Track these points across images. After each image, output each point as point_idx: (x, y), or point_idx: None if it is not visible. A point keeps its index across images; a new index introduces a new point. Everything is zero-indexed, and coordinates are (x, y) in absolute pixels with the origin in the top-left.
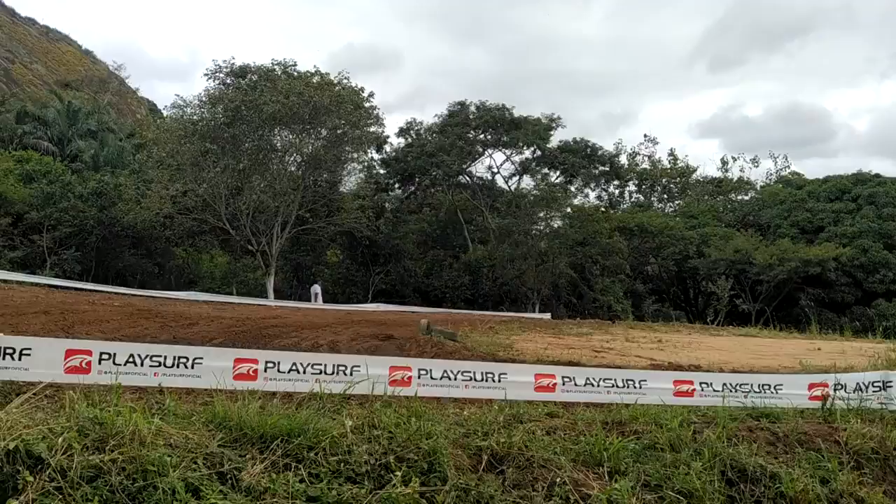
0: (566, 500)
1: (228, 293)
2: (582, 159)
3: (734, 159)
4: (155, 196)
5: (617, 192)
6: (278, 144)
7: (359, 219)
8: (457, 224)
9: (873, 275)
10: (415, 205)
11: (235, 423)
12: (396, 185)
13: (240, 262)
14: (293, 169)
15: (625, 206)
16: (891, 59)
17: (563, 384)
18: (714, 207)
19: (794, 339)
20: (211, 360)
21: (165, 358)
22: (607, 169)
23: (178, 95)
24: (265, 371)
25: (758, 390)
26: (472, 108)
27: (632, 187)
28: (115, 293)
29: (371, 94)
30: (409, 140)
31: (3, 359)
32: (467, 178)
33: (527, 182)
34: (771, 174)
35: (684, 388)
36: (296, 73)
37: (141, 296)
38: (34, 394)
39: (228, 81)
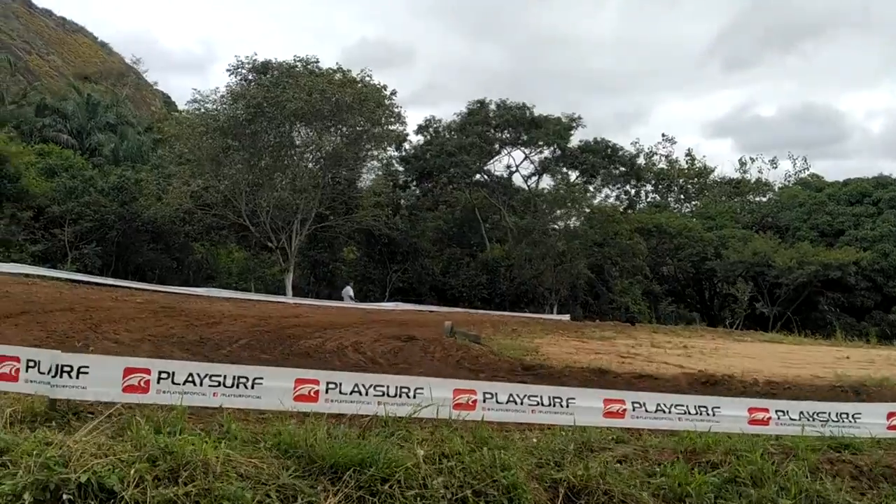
0: None
1: (246, 289)
2: (602, 159)
3: (752, 160)
4: (175, 191)
5: (633, 191)
6: (298, 141)
7: (378, 216)
8: (473, 222)
9: (894, 279)
10: (431, 202)
11: (304, 451)
12: (413, 183)
13: (258, 259)
14: (312, 166)
15: (641, 206)
16: None
17: (633, 410)
18: (732, 209)
19: (820, 346)
20: (271, 380)
21: (225, 377)
22: (627, 169)
23: (195, 90)
24: (326, 392)
25: (836, 419)
26: (493, 107)
27: (648, 187)
28: (137, 289)
29: (393, 93)
30: (428, 137)
31: (61, 377)
32: (485, 177)
33: (546, 182)
34: (789, 176)
35: (759, 416)
36: (318, 70)
37: (162, 292)
38: (101, 420)
39: (250, 77)
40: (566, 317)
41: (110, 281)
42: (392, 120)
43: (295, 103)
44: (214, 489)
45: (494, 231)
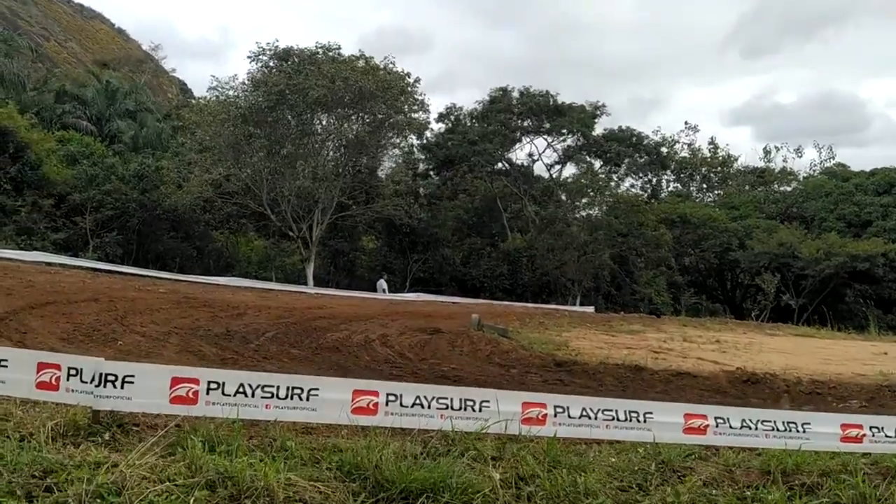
0: None
1: (266, 278)
2: (627, 147)
3: (777, 149)
4: (196, 179)
5: (654, 180)
6: (320, 129)
7: (399, 205)
8: (494, 211)
9: None
10: (450, 191)
11: (370, 473)
12: (432, 171)
13: (278, 247)
14: (333, 154)
15: (663, 195)
16: None
17: (717, 426)
18: (756, 198)
19: (854, 341)
20: (328, 391)
21: (278, 388)
22: (652, 158)
23: (213, 76)
24: (386, 405)
25: None
26: (515, 94)
27: (670, 176)
28: (159, 278)
29: (417, 80)
30: (449, 125)
31: (105, 387)
32: (506, 165)
33: (569, 170)
34: (814, 165)
35: (853, 432)
36: (340, 58)
37: (184, 281)
38: (155, 441)
39: (272, 64)
40: (590, 308)
41: (132, 270)
42: (415, 108)
43: (317, 91)
44: None
45: (515, 221)
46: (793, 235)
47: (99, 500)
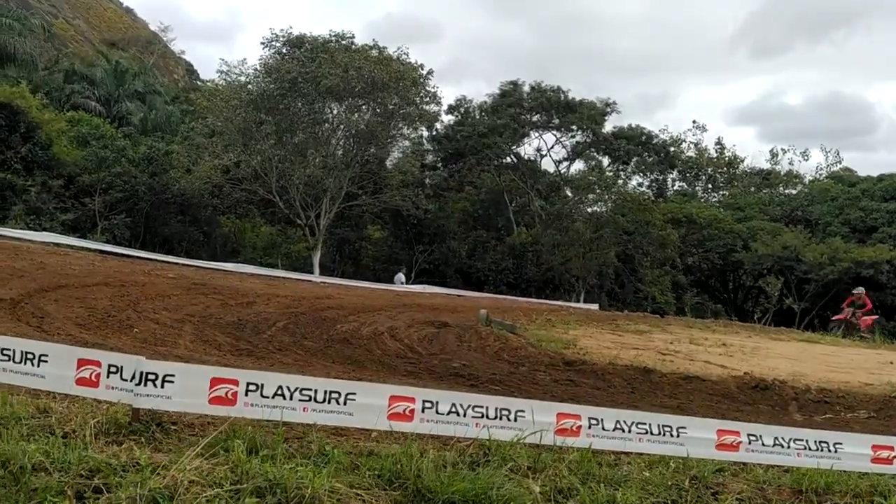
0: None
1: (272, 265)
2: (636, 146)
3: (784, 151)
4: (206, 165)
5: (661, 179)
6: (330, 118)
7: (408, 196)
8: (500, 205)
9: None
10: (457, 183)
11: (411, 482)
12: (440, 163)
13: (284, 234)
14: (343, 143)
15: (667, 194)
16: None
17: (749, 443)
18: (761, 200)
19: (858, 348)
20: (364, 396)
21: (316, 392)
22: (661, 157)
23: (222, 60)
24: (422, 412)
25: None
26: (526, 89)
27: (675, 175)
28: (167, 262)
29: (430, 72)
30: (458, 117)
31: (144, 385)
32: (514, 159)
33: (577, 167)
34: (821, 168)
35: (884, 454)
36: (353, 46)
37: (192, 266)
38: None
39: (284, 51)
40: (594, 306)
41: (140, 253)
42: (427, 100)
43: (330, 79)
44: None
45: (522, 215)
46: (797, 239)
47: None
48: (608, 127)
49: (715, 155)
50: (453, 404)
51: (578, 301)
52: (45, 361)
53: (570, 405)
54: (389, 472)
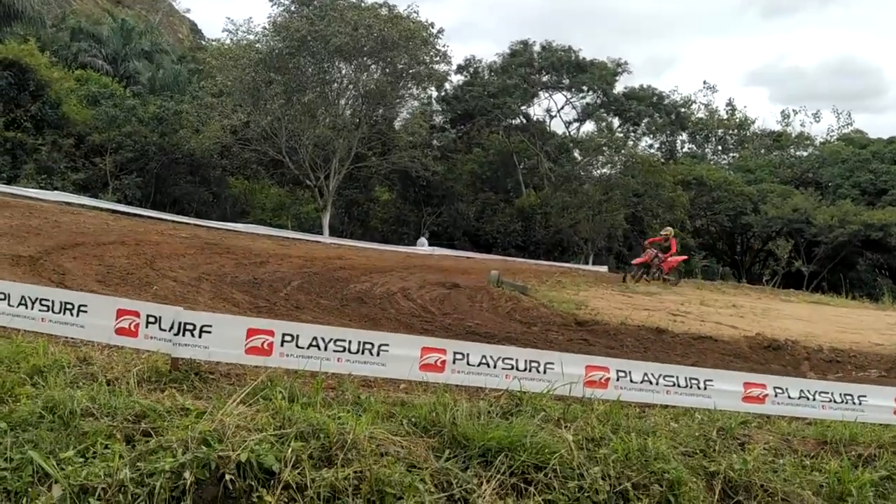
0: None
1: (280, 225)
2: (647, 107)
3: (795, 113)
4: (215, 125)
5: (670, 140)
6: (340, 78)
7: (416, 158)
8: (509, 166)
9: None
10: (465, 144)
11: (447, 430)
12: (448, 124)
13: (293, 195)
14: (352, 103)
15: (677, 156)
16: None
17: (776, 395)
18: (771, 162)
19: (868, 310)
20: (397, 347)
21: (350, 343)
22: (672, 118)
23: (228, 18)
24: (453, 363)
25: None
26: (537, 48)
27: (685, 136)
28: (178, 222)
29: (441, 31)
30: (468, 78)
31: (183, 335)
32: (523, 120)
33: (587, 128)
34: (832, 131)
35: None
36: (364, 4)
37: (203, 226)
38: (248, 390)
39: (293, 9)
40: (603, 268)
41: (152, 213)
42: (437, 59)
43: (339, 38)
44: (373, 473)
45: (530, 177)
46: (807, 201)
47: (204, 447)
48: (619, 88)
49: (726, 116)
50: (484, 356)
51: (587, 263)
52: (85, 311)
53: (598, 357)
54: (425, 420)
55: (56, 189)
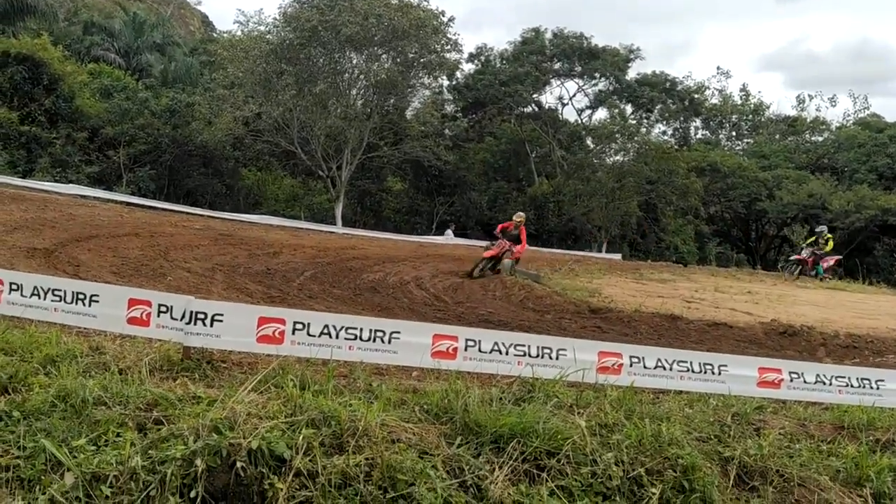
0: None
1: (293, 216)
2: (660, 93)
3: (811, 97)
4: (227, 116)
5: (684, 126)
6: (351, 68)
7: (428, 147)
8: (521, 155)
9: None
10: (477, 133)
11: (459, 417)
12: (460, 113)
13: (305, 186)
14: (363, 93)
15: (691, 142)
16: None
17: (791, 380)
18: (786, 147)
19: (885, 296)
20: (409, 334)
21: (361, 331)
22: (685, 104)
23: (239, 10)
24: (465, 350)
25: None
26: (548, 36)
27: (699, 123)
28: (192, 214)
29: (451, 19)
30: (479, 66)
31: (194, 324)
32: (535, 108)
33: (599, 115)
34: (848, 115)
35: None
36: None
37: (217, 218)
38: (260, 378)
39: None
40: (617, 256)
41: (166, 205)
42: (448, 48)
43: (350, 28)
44: (385, 460)
45: (543, 165)
46: (823, 187)
47: (215, 435)
48: (631, 74)
49: (740, 102)
50: (496, 343)
51: (600, 251)
52: (97, 301)
53: (611, 343)
54: (437, 407)
55: (70, 182)
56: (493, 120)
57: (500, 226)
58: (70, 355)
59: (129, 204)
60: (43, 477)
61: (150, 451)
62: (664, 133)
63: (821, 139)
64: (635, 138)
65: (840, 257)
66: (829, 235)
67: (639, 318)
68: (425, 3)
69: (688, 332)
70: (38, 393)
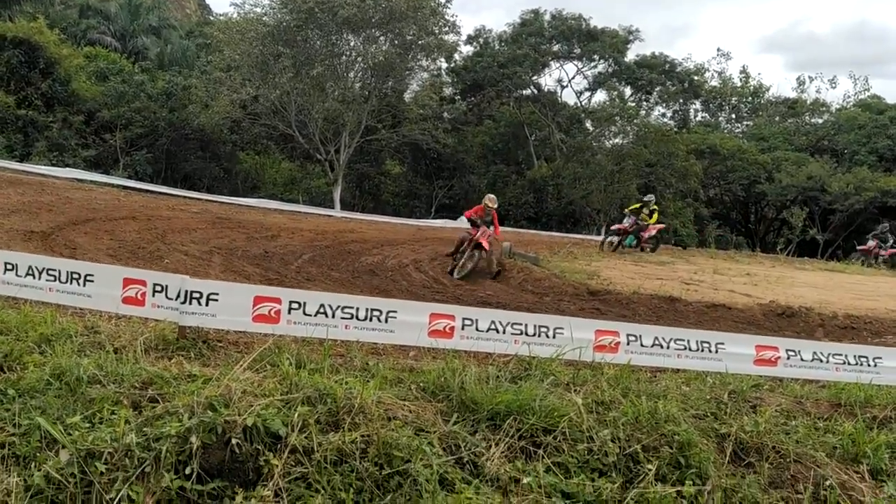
0: None
1: (291, 200)
2: (659, 75)
3: (811, 79)
4: (224, 99)
5: (683, 108)
6: (348, 50)
7: (426, 130)
8: (520, 138)
9: None
10: (476, 116)
11: (455, 395)
12: (458, 96)
13: (304, 170)
14: (361, 75)
15: (690, 124)
16: None
17: (788, 358)
18: (786, 130)
19: (884, 277)
20: (405, 314)
21: (358, 310)
22: (685, 86)
23: None
24: (462, 329)
25: None
26: (547, 17)
27: (698, 105)
28: (189, 198)
29: (449, 1)
30: (477, 48)
31: (189, 303)
32: (534, 91)
33: (598, 97)
34: (848, 97)
35: None
36: None
37: (215, 202)
38: (255, 356)
39: None
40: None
41: (163, 189)
42: (446, 29)
43: (347, 9)
44: (381, 437)
45: (542, 148)
46: (823, 169)
47: (210, 412)
48: (630, 56)
49: (739, 84)
50: (492, 321)
51: (600, 234)
52: (91, 281)
53: (608, 322)
54: (433, 385)
55: (67, 166)
56: (492, 103)
57: (468, 212)
58: (65, 334)
59: (125, 188)
60: (38, 454)
61: (144, 429)
62: (663, 115)
63: (821, 121)
64: (634, 121)
65: (662, 226)
66: (656, 207)
67: (637, 299)
68: None
69: (686, 314)
70: (33, 371)
